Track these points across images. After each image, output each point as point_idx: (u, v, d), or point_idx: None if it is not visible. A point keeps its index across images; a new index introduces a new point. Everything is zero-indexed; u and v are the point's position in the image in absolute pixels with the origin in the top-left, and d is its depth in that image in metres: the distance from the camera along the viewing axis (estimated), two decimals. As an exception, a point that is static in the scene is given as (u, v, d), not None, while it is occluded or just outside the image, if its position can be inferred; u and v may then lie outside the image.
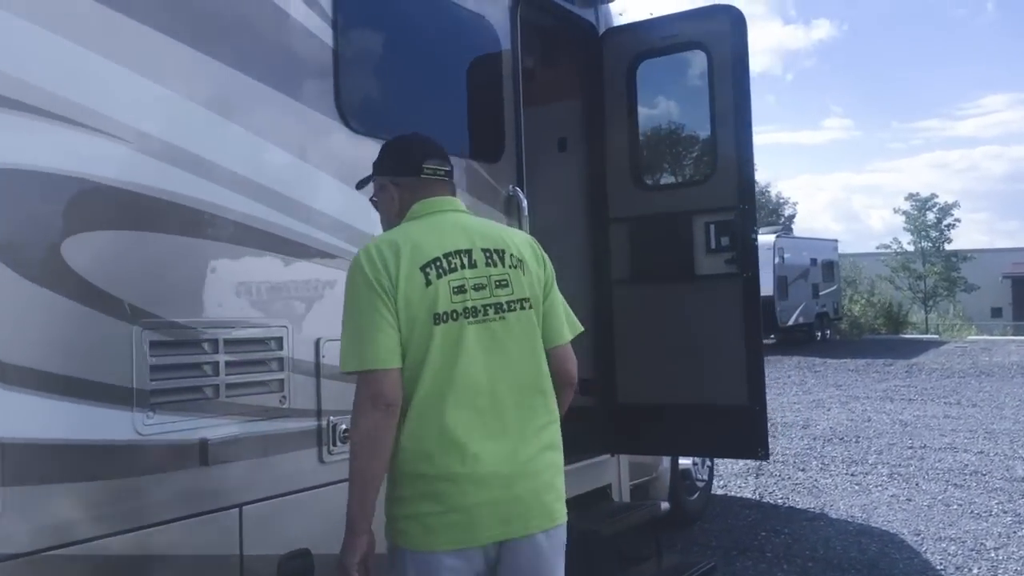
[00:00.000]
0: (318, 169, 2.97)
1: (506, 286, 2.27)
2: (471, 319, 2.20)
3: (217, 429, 2.56)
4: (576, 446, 4.59)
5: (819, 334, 25.34)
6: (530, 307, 2.30)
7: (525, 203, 3.92)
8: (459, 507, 2.15)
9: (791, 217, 43.68)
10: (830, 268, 26.36)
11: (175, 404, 2.47)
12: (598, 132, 4.72)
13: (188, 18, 2.55)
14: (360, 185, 2.62)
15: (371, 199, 2.52)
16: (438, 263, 2.20)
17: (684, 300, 4.48)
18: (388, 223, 2.43)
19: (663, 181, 4.84)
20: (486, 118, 3.84)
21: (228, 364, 2.61)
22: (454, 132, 3.65)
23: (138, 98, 2.42)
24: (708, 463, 6.48)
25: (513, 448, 2.21)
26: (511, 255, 2.32)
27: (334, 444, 2.92)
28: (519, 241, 2.42)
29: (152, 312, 2.41)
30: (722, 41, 4.27)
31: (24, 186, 2.17)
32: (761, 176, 47.82)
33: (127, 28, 2.40)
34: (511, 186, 3.92)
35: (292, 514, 2.77)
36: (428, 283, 2.17)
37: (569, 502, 2.38)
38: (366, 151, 2.89)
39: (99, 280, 2.29)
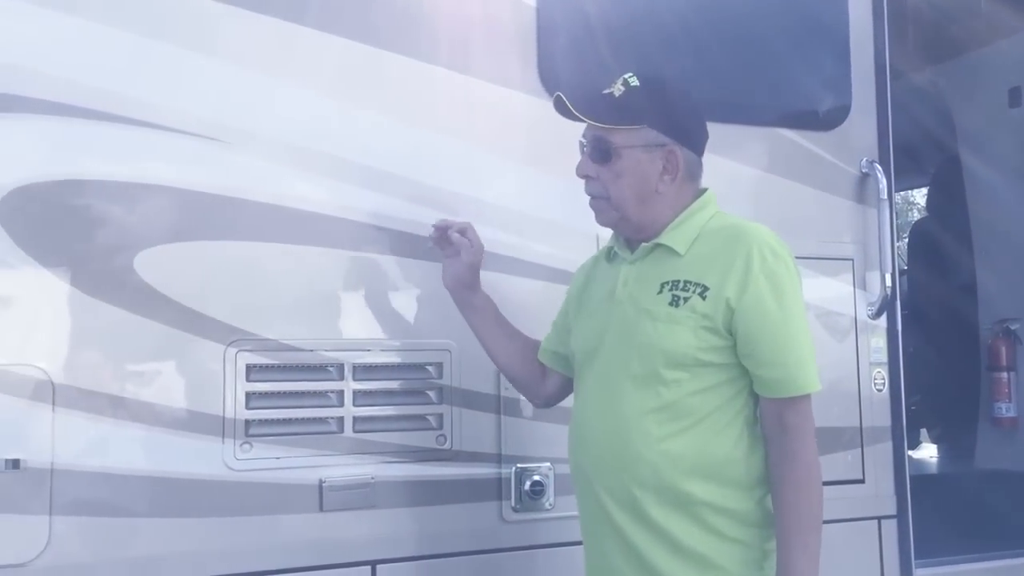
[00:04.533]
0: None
1: None
2: None
3: (338, 470, 2.19)
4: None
5: None
6: None
7: (885, 183, 2.77)
8: None
9: None
10: None
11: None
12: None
13: None
14: (608, 121, 1.83)
15: (586, 142, 1.86)
16: None
17: None
18: (635, 198, 1.83)
19: None
20: (808, 67, 2.80)
21: (357, 394, 2.22)
22: (746, 88, 2.73)
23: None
24: None
25: None
26: None
27: (519, 500, 2.32)
28: None
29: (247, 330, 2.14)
30: None
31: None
32: None
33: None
34: (864, 160, 2.81)
35: (453, 581, 2.26)
36: None
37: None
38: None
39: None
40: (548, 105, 2.38)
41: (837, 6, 2.81)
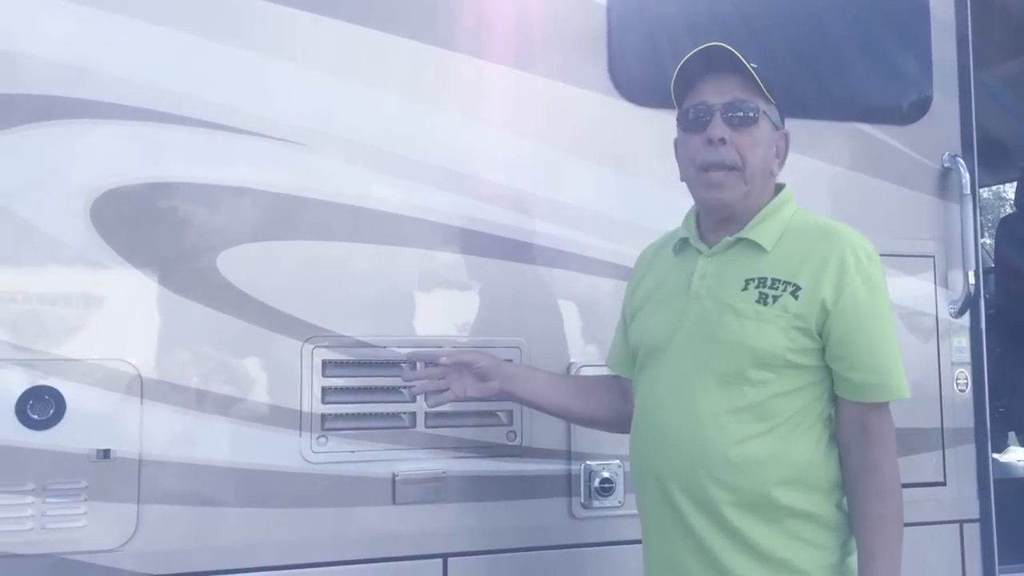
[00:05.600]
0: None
1: None
2: None
3: (411, 464, 2.24)
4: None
5: None
6: None
7: (968, 177, 2.69)
8: None
9: None
10: None
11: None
12: None
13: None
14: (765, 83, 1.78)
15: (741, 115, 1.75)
16: None
17: None
18: (762, 173, 1.78)
19: None
20: (888, 60, 2.73)
21: (429, 390, 2.26)
22: (825, 83, 2.67)
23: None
24: None
25: None
26: None
27: (588, 497, 2.34)
28: None
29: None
30: None
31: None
32: None
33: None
34: (946, 154, 2.73)
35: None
36: None
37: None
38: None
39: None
40: (618, 104, 2.42)
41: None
